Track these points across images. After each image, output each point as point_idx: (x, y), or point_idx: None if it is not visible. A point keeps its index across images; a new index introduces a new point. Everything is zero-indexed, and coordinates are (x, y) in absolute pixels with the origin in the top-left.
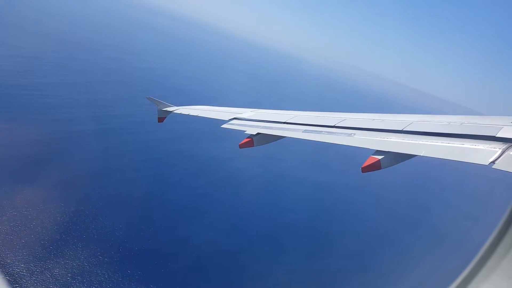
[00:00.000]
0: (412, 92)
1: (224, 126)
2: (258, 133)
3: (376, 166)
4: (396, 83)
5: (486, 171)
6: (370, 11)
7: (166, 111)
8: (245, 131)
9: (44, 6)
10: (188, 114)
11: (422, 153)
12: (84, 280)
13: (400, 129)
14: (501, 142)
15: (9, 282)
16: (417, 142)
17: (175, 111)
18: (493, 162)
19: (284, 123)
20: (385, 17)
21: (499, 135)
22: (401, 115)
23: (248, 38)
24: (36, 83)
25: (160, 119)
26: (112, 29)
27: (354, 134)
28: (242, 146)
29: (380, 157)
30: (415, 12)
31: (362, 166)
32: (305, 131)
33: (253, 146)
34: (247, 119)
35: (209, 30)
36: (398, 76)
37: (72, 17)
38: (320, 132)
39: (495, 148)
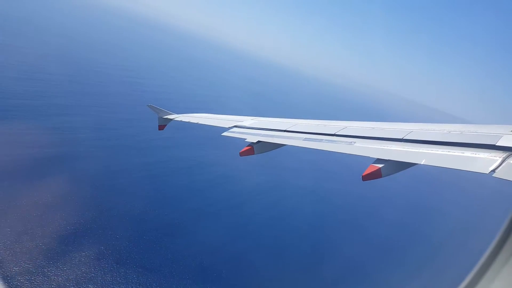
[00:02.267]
0: (407, 103)
1: (225, 134)
2: (258, 141)
3: (376, 174)
4: (391, 93)
5: (486, 180)
6: (363, 23)
7: (167, 118)
8: (246, 139)
9: (44, 25)
10: (188, 122)
11: (422, 161)
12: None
13: (400, 137)
14: (501, 151)
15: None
16: (417, 150)
17: (175, 119)
18: (494, 170)
19: (285, 131)
20: (378, 29)
21: (499, 143)
22: (401, 123)
23: (242, 49)
24: (40, 104)
25: (161, 127)
26: (107, 46)
27: (355, 142)
28: (242, 154)
29: (380, 165)
30: (409, 23)
31: (363, 175)
32: (306, 139)
33: (253, 154)
34: (247, 127)
35: (204, 43)
36: (392, 87)
37: (75, 37)
38: (321, 140)
39: (495, 157)
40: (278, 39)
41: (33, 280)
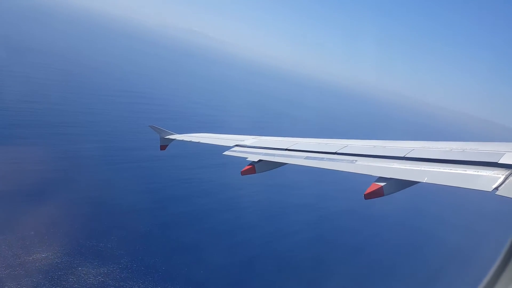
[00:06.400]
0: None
1: (226, 153)
2: (260, 160)
3: (378, 193)
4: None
5: (489, 198)
6: (381, 27)
7: (168, 138)
8: (247, 158)
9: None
10: (190, 141)
11: (424, 179)
12: None
13: (402, 155)
14: (504, 168)
15: None
16: (419, 168)
17: (177, 139)
18: (496, 188)
19: (286, 150)
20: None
21: (501, 161)
22: (403, 141)
23: (248, 58)
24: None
25: (162, 147)
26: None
27: (356, 160)
28: (244, 173)
29: (382, 183)
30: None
31: (365, 193)
32: (307, 157)
33: (254, 173)
34: (249, 146)
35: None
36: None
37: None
38: (322, 158)
39: (498, 174)
40: (282, 42)
41: None
